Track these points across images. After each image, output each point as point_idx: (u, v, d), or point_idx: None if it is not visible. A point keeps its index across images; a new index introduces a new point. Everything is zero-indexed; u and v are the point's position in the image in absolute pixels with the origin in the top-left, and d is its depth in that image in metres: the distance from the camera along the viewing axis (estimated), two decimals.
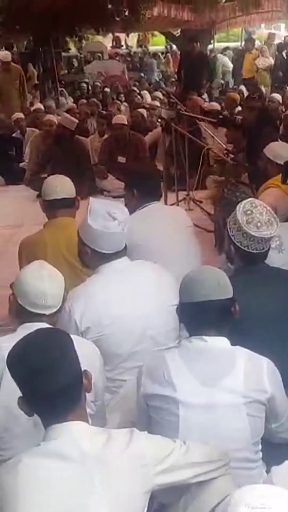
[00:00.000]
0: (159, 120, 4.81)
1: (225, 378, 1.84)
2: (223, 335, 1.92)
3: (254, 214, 2.29)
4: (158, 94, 9.81)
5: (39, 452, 1.45)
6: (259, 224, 2.27)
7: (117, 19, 11.72)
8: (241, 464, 1.83)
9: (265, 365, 1.91)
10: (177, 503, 1.69)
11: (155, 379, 1.87)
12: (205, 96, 10.16)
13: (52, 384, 1.45)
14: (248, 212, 2.30)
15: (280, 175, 3.69)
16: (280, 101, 8.06)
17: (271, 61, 12.30)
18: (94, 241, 2.33)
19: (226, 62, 14.75)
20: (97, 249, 2.34)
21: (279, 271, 2.46)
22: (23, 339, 1.55)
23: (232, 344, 1.94)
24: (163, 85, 13.53)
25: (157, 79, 15.54)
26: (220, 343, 1.91)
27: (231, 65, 14.75)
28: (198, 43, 9.70)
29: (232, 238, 2.35)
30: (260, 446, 1.92)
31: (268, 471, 1.93)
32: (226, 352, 1.91)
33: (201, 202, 5.57)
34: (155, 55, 17.69)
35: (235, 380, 1.85)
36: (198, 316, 1.91)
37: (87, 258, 2.42)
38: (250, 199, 2.41)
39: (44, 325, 1.93)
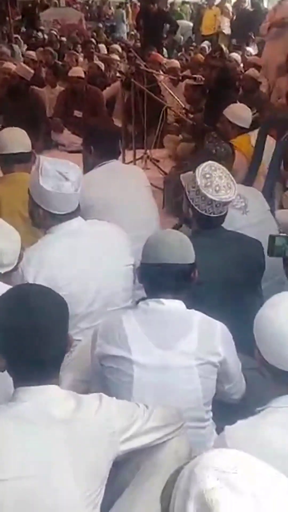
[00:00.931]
0: (119, 74, 4.68)
1: (179, 340, 1.87)
2: (180, 299, 1.94)
3: (213, 177, 2.30)
4: (117, 47, 9.56)
5: (6, 412, 1.42)
6: (217, 188, 2.28)
7: None
8: (192, 423, 1.87)
9: (218, 328, 1.95)
10: (130, 461, 1.72)
11: (110, 340, 1.89)
12: (164, 52, 10.01)
13: (44, 351, 1.41)
14: (207, 175, 2.30)
15: (240, 136, 3.69)
16: (239, 61, 8.01)
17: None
18: (47, 202, 2.27)
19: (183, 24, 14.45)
20: (49, 210, 2.28)
21: (236, 235, 2.48)
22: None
23: (186, 307, 1.97)
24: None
25: (127, 31, 15.04)
26: (176, 306, 1.93)
27: (188, 24, 14.50)
28: (156, 4, 9.43)
29: (191, 201, 2.35)
30: (210, 406, 1.97)
31: (217, 430, 2.01)
32: (181, 315, 1.93)
33: (158, 161, 5.53)
34: (120, 5, 17.05)
35: (189, 343, 1.87)
36: (157, 278, 1.92)
37: (39, 219, 2.36)
38: (209, 162, 2.39)
39: None
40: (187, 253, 1.95)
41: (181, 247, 1.95)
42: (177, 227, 3.73)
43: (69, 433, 1.41)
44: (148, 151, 5.47)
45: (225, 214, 2.39)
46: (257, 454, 1.41)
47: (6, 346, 1.42)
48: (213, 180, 2.29)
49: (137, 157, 5.32)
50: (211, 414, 1.97)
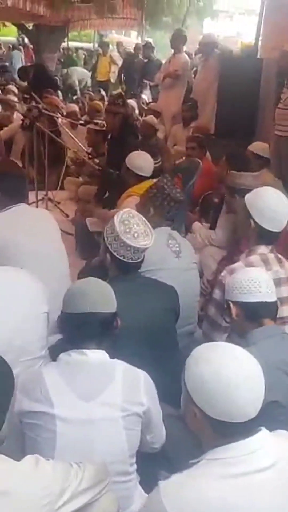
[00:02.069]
0: (23, 117, 4.64)
1: (103, 392, 1.82)
2: (102, 348, 1.90)
3: (131, 224, 2.33)
4: (13, 88, 9.49)
5: None
6: (136, 235, 2.32)
7: None
8: (117, 478, 1.82)
9: (142, 378, 1.92)
10: None
11: (31, 396, 1.79)
12: (59, 94, 10.11)
13: None
14: (126, 222, 2.33)
15: (143, 182, 3.76)
16: (136, 107, 8.27)
17: None
18: None
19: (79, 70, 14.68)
20: None
21: (152, 281, 2.51)
22: None
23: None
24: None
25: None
26: (99, 356, 1.88)
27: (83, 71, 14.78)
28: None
29: (109, 247, 2.36)
30: (134, 459, 1.92)
31: (141, 482, 1.96)
32: (105, 366, 1.88)
33: (59, 203, 5.49)
34: (14, 47, 16.96)
35: (113, 394, 1.83)
36: (80, 327, 1.87)
37: None
38: (127, 209, 2.42)
39: None
40: (110, 302, 1.93)
41: (103, 296, 1.92)
42: (84, 271, 3.70)
43: (5, 503, 1.30)
44: (49, 192, 5.41)
45: (142, 260, 2.41)
46: (194, 509, 1.39)
47: None
48: (132, 227, 2.33)
49: (38, 198, 5.24)
50: (135, 466, 1.93)
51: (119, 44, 13.34)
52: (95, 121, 5.84)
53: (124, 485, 1.86)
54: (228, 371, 1.47)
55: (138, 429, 1.89)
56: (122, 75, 10.40)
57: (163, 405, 2.10)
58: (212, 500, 1.38)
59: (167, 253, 2.78)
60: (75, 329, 1.89)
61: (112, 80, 12.53)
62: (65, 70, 13.99)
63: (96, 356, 1.86)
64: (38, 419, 1.77)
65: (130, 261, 2.35)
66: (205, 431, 1.52)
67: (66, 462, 1.57)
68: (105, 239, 2.38)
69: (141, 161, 3.85)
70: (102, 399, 1.81)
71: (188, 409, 1.55)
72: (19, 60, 15.85)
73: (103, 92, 10.56)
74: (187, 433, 2.26)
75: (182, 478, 1.46)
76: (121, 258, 2.34)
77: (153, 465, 2.14)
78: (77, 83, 13.37)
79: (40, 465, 1.45)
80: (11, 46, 17.18)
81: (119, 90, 8.56)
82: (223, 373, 1.47)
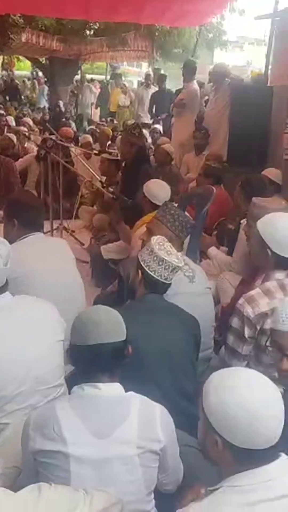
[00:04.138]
0: (44, 147, 4.70)
1: (118, 428, 1.75)
2: (115, 380, 1.84)
3: (165, 245, 2.47)
4: (28, 120, 9.66)
5: None
6: (169, 252, 2.44)
7: None
8: None
9: (158, 412, 1.85)
10: None
11: (44, 434, 1.72)
12: (72, 125, 10.27)
13: None
14: (161, 243, 2.47)
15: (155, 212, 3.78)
16: (148, 136, 8.37)
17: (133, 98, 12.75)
18: None
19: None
20: None
21: (174, 307, 2.50)
22: None
23: (120, 380, 1.86)
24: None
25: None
26: (113, 390, 1.81)
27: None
28: None
29: (142, 262, 2.43)
30: (152, 496, 1.85)
31: None
32: (119, 400, 1.81)
33: (74, 231, 5.53)
34: (29, 79, 17.37)
35: (129, 430, 1.76)
36: (91, 360, 1.80)
37: None
38: (162, 236, 2.56)
39: None
40: (120, 329, 1.86)
41: (113, 324, 1.85)
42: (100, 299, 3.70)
43: None
44: (64, 221, 5.45)
45: (169, 285, 2.46)
46: None
47: None
48: (166, 247, 2.46)
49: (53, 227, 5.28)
50: (153, 503, 1.85)
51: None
52: (109, 150, 5.91)
53: None
54: (252, 399, 1.43)
55: (155, 466, 1.82)
56: (154, 106, 10.28)
57: (180, 433, 2.02)
58: None
59: (181, 278, 2.77)
60: (87, 362, 1.82)
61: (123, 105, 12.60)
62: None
63: (110, 389, 1.80)
64: (52, 458, 1.71)
65: (159, 278, 2.41)
66: (225, 458, 1.49)
67: (71, 488, 1.53)
68: (139, 256, 2.47)
69: (157, 189, 3.87)
70: (117, 435, 1.74)
71: (208, 437, 1.51)
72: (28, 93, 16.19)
73: (116, 122, 10.70)
74: (205, 464, 2.22)
75: (201, 506, 1.42)
76: (152, 273, 2.40)
77: (170, 498, 2.08)
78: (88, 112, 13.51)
79: (43, 492, 1.41)
80: (25, 80, 17.56)
81: (133, 120, 8.62)
82: (247, 401, 1.43)
